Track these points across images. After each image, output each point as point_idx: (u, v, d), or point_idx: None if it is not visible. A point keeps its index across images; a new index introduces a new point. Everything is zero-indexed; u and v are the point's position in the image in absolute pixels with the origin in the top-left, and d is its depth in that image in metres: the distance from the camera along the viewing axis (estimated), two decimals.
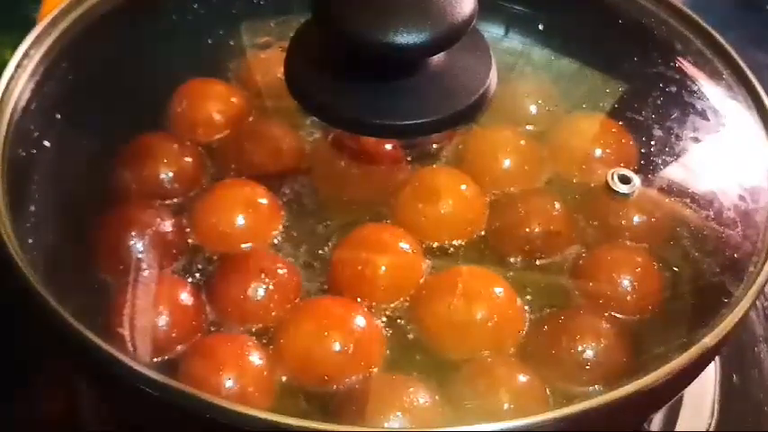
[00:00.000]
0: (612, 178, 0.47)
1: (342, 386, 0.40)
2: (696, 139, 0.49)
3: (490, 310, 0.42)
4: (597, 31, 0.53)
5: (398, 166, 0.48)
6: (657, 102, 0.51)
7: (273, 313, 0.42)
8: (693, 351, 0.38)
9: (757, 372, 0.55)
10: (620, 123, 0.51)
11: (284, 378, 0.40)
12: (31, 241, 0.41)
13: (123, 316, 0.41)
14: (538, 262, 0.45)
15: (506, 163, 0.48)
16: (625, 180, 0.47)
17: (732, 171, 0.48)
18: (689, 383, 0.42)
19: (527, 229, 0.46)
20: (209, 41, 0.52)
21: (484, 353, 0.42)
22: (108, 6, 0.50)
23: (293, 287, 0.43)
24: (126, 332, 0.40)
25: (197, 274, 0.44)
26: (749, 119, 0.48)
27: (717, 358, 0.52)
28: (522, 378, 0.41)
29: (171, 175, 0.47)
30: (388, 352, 0.41)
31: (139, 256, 0.43)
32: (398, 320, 0.42)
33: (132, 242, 0.43)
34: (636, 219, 0.47)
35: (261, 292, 0.42)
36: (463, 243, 0.45)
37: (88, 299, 0.41)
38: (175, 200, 0.46)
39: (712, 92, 0.50)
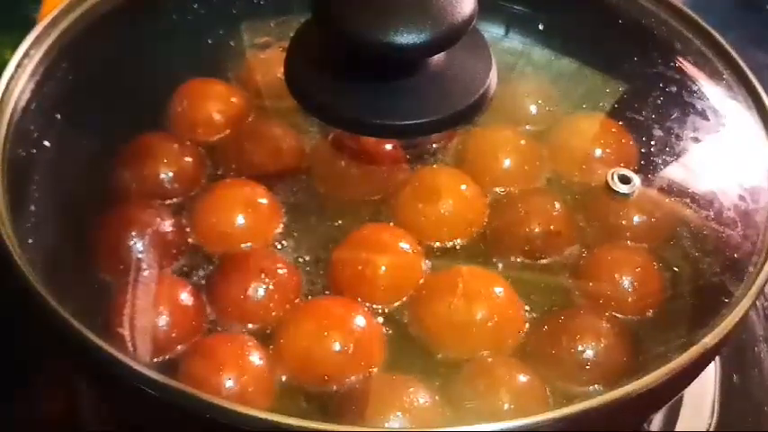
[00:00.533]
0: (612, 178, 0.47)
1: (342, 386, 0.40)
2: (696, 139, 0.49)
3: (490, 310, 0.42)
4: (597, 31, 0.53)
5: (398, 166, 0.48)
6: (657, 102, 0.51)
7: (273, 313, 0.42)
8: (693, 351, 0.38)
9: (757, 372, 0.55)
10: (620, 123, 0.51)
11: (284, 378, 0.40)
12: (31, 241, 0.40)
13: (123, 316, 0.41)
14: (538, 262, 0.45)
15: (506, 163, 0.48)
16: (625, 180, 0.47)
17: (732, 171, 0.48)
18: (689, 383, 0.42)
19: (527, 229, 0.46)
20: (209, 41, 0.52)
21: (484, 353, 0.42)
22: (108, 6, 0.50)
23: (293, 287, 0.43)
24: (126, 332, 0.40)
25: (197, 274, 0.44)
26: (749, 119, 0.48)
27: (717, 358, 0.52)
28: (522, 378, 0.41)
29: (171, 175, 0.47)
30: (388, 352, 0.41)
31: (139, 256, 0.43)
32: (398, 320, 0.42)
33: (132, 242, 0.43)
34: (636, 219, 0.47)
35: (261, 292, 0.42)
36: (463, 243, 0.45)
37: (88, 299, 0.41)
38: (175, 200, 0.46)
39: (712, 92, 0.50)
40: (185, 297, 0.42)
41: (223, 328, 0.42)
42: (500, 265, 0.45)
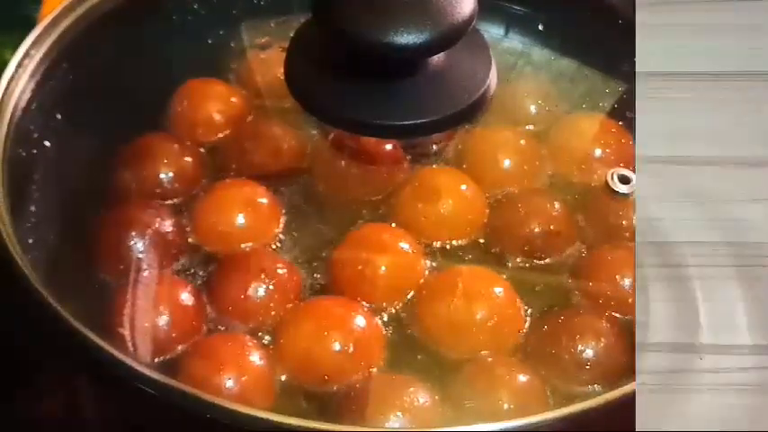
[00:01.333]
0: (612, 178, 0.47)
1: (342, 386, 0.40)
2: None
3: (490, 310, 0.42)
4: (597, 31, 0.53)
5: (398, 166, 0.48)
6: None
7: (273, 313, 0.42)
8: None
9: None
10: (620, 123, 0.51)
11: (284, 378, 0.40)
12: (31, 241, 0.41)
13: (124, 316, 0.41)
14: (538, 262, 0.45)
15: (506, 163, 0.48)
16: (625, 180, 0.47)
17: None
18: None
19: (527, 229, 0.46)
20: (210, 41, 0.52)
21: (484, 353, 0.42)
22: (108, 6, 0.50)
23: (293, 287, 0.43)
24: (126, 332, 0.40)
25: (197, 274, 0.44)
26: None
27: None
28: (522, 378, 0.41)
29: (171, 175, 0.47)
30: (388, 352, 0.41)
31: (139, 256, 0.43)
32: (398, 320, 0.42)
33: (132, 242, 0.43)
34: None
35: (261, 292, 0.42)
36: (463, 243, 0.45)
37: (88, 299, 0.41)
38: (175, 200, 0.46)
39: None
40: (185, 297, 0.42)
41: (223, 328, 0.42)
42: (500, 265, 0.45)
